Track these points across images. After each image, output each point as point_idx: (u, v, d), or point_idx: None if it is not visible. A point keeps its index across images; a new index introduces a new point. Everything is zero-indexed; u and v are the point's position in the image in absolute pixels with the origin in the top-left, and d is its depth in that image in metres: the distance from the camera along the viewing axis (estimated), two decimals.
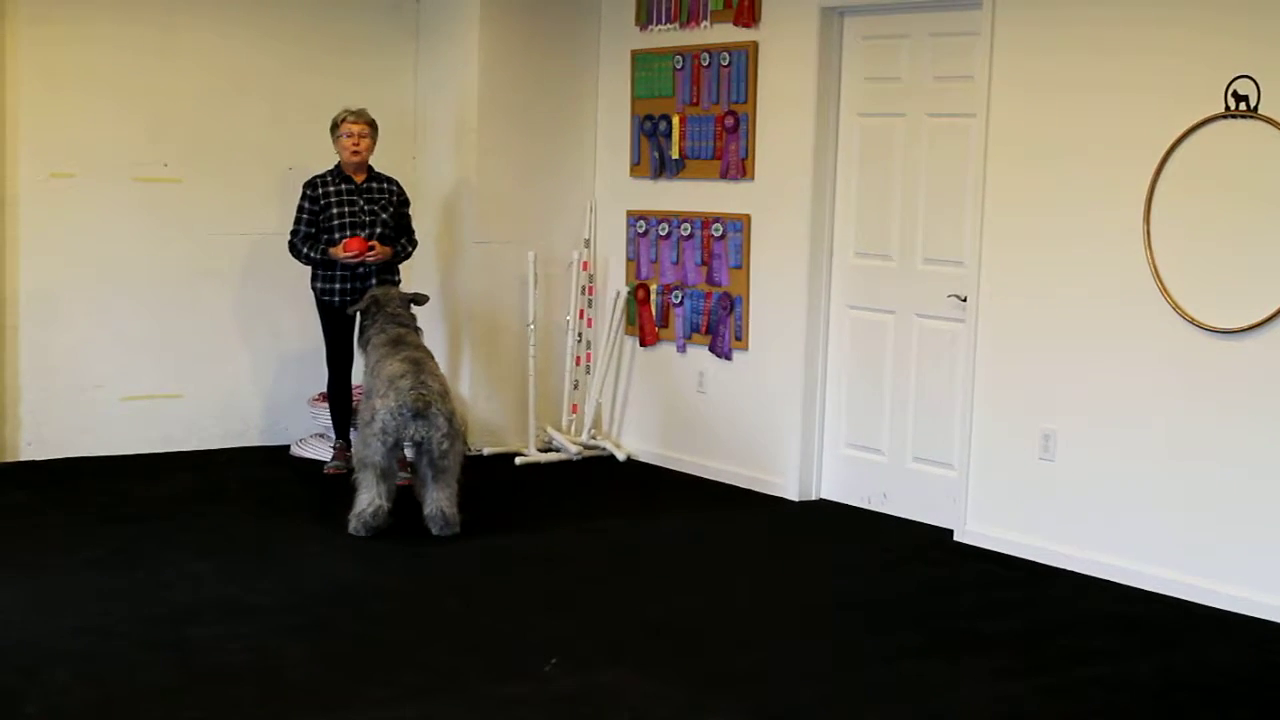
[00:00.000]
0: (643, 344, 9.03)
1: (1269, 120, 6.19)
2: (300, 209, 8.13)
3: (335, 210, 8.09)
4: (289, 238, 8.17)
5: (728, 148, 8.40)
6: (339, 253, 8.01)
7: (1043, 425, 7.03)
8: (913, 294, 7.71)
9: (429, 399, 7.01)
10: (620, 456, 9.05)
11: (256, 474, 8.43)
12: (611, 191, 9.21)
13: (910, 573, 6.90)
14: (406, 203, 8.37)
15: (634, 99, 8.99)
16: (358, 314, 7.88)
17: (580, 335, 9.26)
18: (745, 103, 8.29)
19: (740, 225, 8.36)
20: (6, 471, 8.17)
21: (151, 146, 8.58)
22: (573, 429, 9.26)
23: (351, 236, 8.03)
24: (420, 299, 8.00)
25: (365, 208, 8.14)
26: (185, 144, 8.67)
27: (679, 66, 8.66)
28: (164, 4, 8.57)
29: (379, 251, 8.06)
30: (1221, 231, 6.38)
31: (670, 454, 8.91)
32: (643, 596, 6.36)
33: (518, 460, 8.87)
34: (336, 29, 9.09)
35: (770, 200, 8.22)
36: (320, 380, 8.56)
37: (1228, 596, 6.34)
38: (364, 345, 7.77)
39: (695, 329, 8.68)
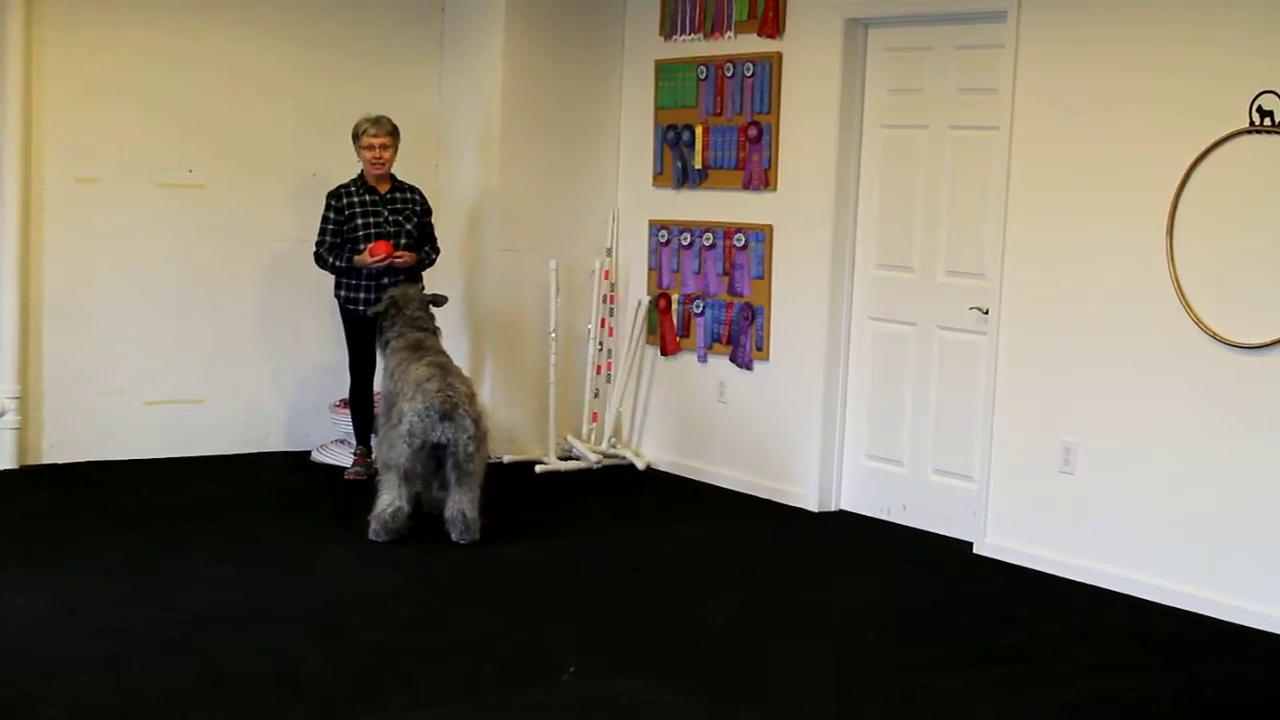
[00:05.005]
0: (664, 353, 9.04)
1: None
2: (325, 220, 8.17)
3: (360, 221, 8.12)
4: (314, 248, 8.20)
5: (750, 158, 8.40)
6: (365, 258, 8.04)
7: (1063, 438, 7.01)
8: (934, 306, 7.70)
9: (456, 401, 7.03)
10: (640, 465, 9.05)
11: (277, 479, 8.45)
12: (634, 201, 9.22)
13: (929, 585, 6.89)
14: (429, 211, 8.40)
15: (657, 109, 9.00)
16: (377, 315, 7.91)
17: (601, 344, 9.27)
18: (768, 113, 8.30)
19: (762, 235, 8.36)
20: (29, 474, 8.20)
21: (176, 152, 8.62)
22: (593, 437, 9.27)
23: (379, 240, 8.06)
24: (439, 300, 8.03)
25: (389, 218, 8.17)
26: (209, 150, 8.71)
27: (703, 77, 8.67)
28: (189, 11, 8.61)
29: (405, 256, 8.09)
30: (1244, 246, 6.36)
31: (690, 463, 8.91)
32: (660, 605, 6.36)
33: (538, 468, 8.87)
34: (361, 37, 9.12)
35: (792, 211, 8.23)
36: (341, 386, 8.59)
37: (1248, 611, 6.32)
38: (383, 347, 7.81)
39: (716, 339, 8.68)
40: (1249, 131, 6.31)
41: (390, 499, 7.05)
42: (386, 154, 8.18)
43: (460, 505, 7.06)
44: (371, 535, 7.06)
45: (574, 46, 9.14)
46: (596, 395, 9.30)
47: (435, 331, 7.84)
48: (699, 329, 8.78)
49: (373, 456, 8.01)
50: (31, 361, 8.31)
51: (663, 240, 8.98)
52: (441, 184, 9.23)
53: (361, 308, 8.13)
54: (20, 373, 8.25)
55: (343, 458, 8.66)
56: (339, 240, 8.15)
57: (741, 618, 6.25)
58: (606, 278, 9.24)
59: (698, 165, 8.73)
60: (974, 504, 7.42)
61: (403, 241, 8.16)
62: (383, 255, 8.02)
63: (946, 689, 5.43)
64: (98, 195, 8.42)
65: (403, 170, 8.37)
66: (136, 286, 8.57)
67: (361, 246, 8.10)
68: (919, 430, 7.81)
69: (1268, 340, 6.27)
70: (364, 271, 8.12)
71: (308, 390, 9.09)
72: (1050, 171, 7.04)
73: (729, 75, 8.51)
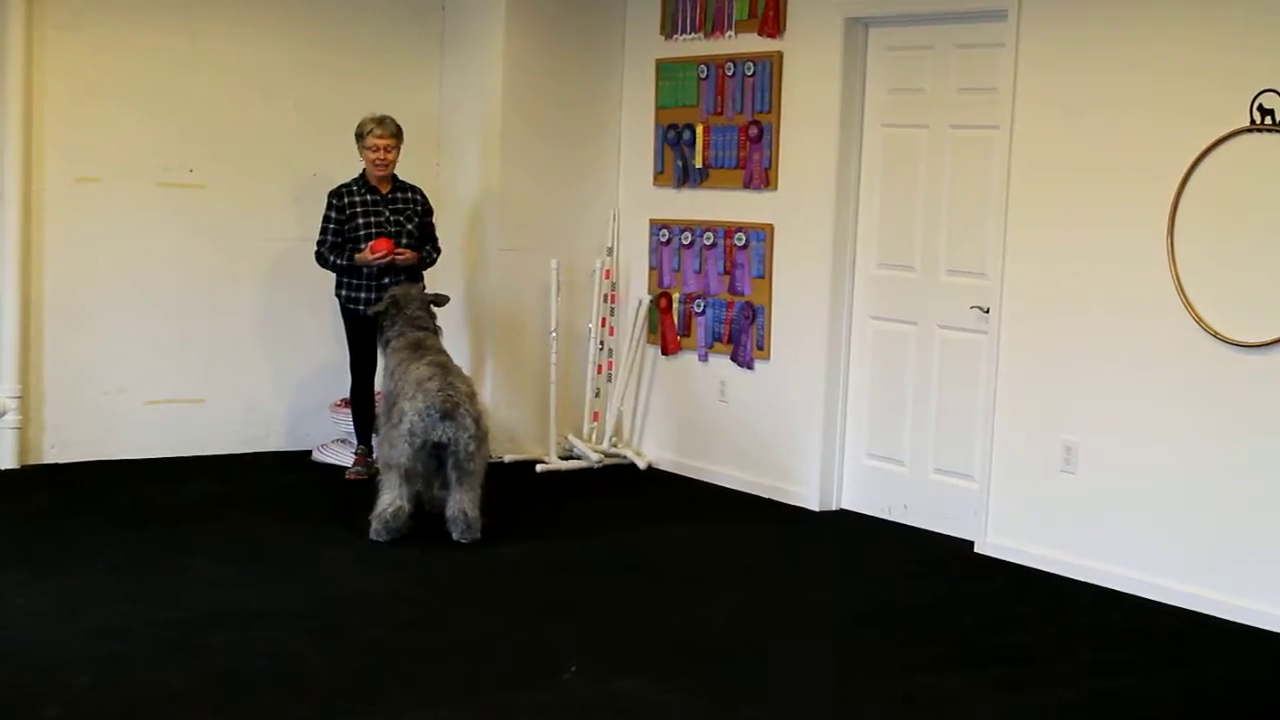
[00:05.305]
0: (664, 352, 9.04)
1: None
2: (326, 219, 8.17)
3: (361, 220, 8.12)
4: (316, 247, 8.20)
5: (751, 157, 8.40)
6: (367, 255, 8.04)
7: (1064, 437, 7.01)
8: (935, 305, 7.70)
9: (457, 400, 7.04)
10: (641, 465, 9.05)
11: (278, 479, 8.45)
12: (635, 200, 9.22)
13: (930, 584, 6.89)
14: (430, 211, 8.40)
15: (658, 108, 9.00)
16: (378, 314, 7.91)
17: (602, 343, 9.27)
18: (769, 112, 8.30)
19: (763, 235, 8.36)
20: (30, 474, 8.20)
21: (177, 152, 8.62)
22: (594, 437, 9.27)
23: (380, 237, 8.06)
24: (440, 300, 8.03)
25: (390, 218, 8.17)
26: (210, 149, 8.71)
27: (703, 76, 8.67)
28: (190, 11, 8.60)
29: (406, 254, 8.09)
30: (1245, 245, 6.36)
31: (691, 463, 8.91)
32: (662, 605, 6.36)
33: (539, 468, 8.87)
34: (362, 36, 9.12)
35: (793, 210, 8.22)
36: (342, 386, 8.59)
37: (1250, 611, 6.31)
38: (383, 346, 7.82)
39: (717, 338, 8.68)
40: (1249, 130, 6.31)
41: (391, 498, 7.06)
42: (391, 155, 8.18)
43: (461, 505, 7.06)
44: (372, 535, 7.06)
45: (574, 45, 9.14)
46: (597, 394, 9.30)
47: (436, 331, 7.85)
48: (700, 328, 8.78)
49: (374, 456, 8.01)
50: (32, 361, 8.31)
51: (663, 239, 8.98)
52: (442, 183, 9.23)
53: (362, 307, 8.13)
54: (21, 372, 8.25)
55: (343, 457, 8.66)
56: (340, 240, 8.15)
57: (742, 617, 6.24)
58: (607, 277, 9.24)
59: (698, 164, 8.73)
60: (975, 503, 7.42)
61: (404, 241, 8.16)
62: (384, 252, 8.02)
63: (947, 689, 5.43)
64: (98, 195, 8.42)
65: (404, 169, 8.36)
66: (137, 286, 8.57)
67: (362, 246, 8.10)
68: (920, 429, 7.81)
69: (1269, 339, 6.26)
70: (365, 271, 8.13)
71: (308, 390, 9.09)
72: (1051, 171, 7.04)
73: (729, 74, 8.51)
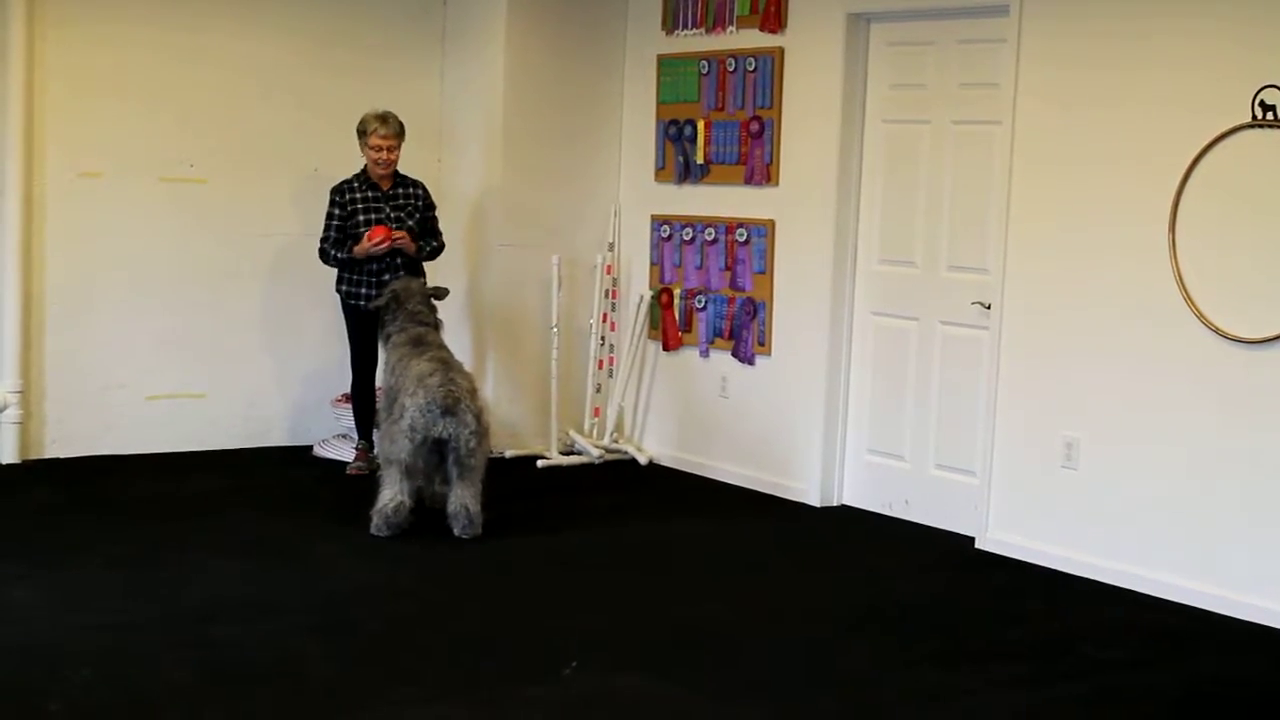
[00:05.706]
0: (665, 348, 9.03)
1: None
2: (330, 215, 8.16)
3: (362, 217, 8.12)
4: (319, 244, 8.19)
5: (753, 153, 8.40)
6: (365, 245, 8.03)
7: (1065, 433, 7.01)
8: (936, 301, 7.70)
9: (458, 396, 7.04)
10: (642, 460, 9.05)
11: (279, 474, 8.45)
12: (636, 196, 9.21)
13: (931, 580, 6.88)
14: (432, 206, 8.40)
15: (659, 103, 8.99)
16: (378, 309, 7.91)
17: (603, 339, 9.27)
18: (770, 108, 8.29)
19: (764, 230, 8.36)
20: (30, 469, 8.20)
21: (178, 147, 8.61)
22: (595, 432, 9.27)
23: (375, 225, 8.05)
24: (441, 293, 8.02)
25: (392, 214, 8.16)
26: (211, 145, 8.70)
27: (705, 71, 8.66)
28: (191, 6, 8.60)
29: (402, 236, 8.06)
30: (1247, 241, 6.36)
31: (692, 458, 8.91)
32: (663, 601, 6.36)
33: (539, 463, 8.87)
34: (364, 32, 9.11)
35: (795, 206, 8.22)
36: (343, 381, 8.58)
37: (1251, 607, 6.31)
38: (384, 341, 7.83)
39: (718, 334, 8.68)
40: (1251, 126, 6.31)
41: (392, 494, 7.06)
42: (393, 155, 8.17)
43: (462, 500, 7.07)
44: (373, 530, 7.06)
45: (576, 41, 9.14)
46: (598, 390, 9.30)
47: (437, 326, 7.84)
48: (701, 324, 8.78)
49: (375, 451, 8.02)
50: (34, 356, 8.31)
51: (665, 235, 8.97)
52: (444, 178, 9.22)
53: (363, 302, 8.13)
54: (22, 367, 8.25)
55: (344, 453, 8.66)
56: (343, 235, 8.15)
57: (743, 613, 6.24)
58: (609, 273, 9.24)
59: (699, 160, 8.73)
60: (976, 499, 7.42)
61: None
62: (380, 238, 8.02)
63: (948, 684, 5.43)
64: (100, 190, 8.42)
65: (405, 165, 8.36)
66: (138, 281, 8.57)
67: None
68: (921, 425, 7.80)
69: (1271, 335, 6.26)
70: (366, 266, 8.12)
71: (309, 385, 9.09)
72: (1052, 166, 7.04)
73: (731, 70, 8.50)
